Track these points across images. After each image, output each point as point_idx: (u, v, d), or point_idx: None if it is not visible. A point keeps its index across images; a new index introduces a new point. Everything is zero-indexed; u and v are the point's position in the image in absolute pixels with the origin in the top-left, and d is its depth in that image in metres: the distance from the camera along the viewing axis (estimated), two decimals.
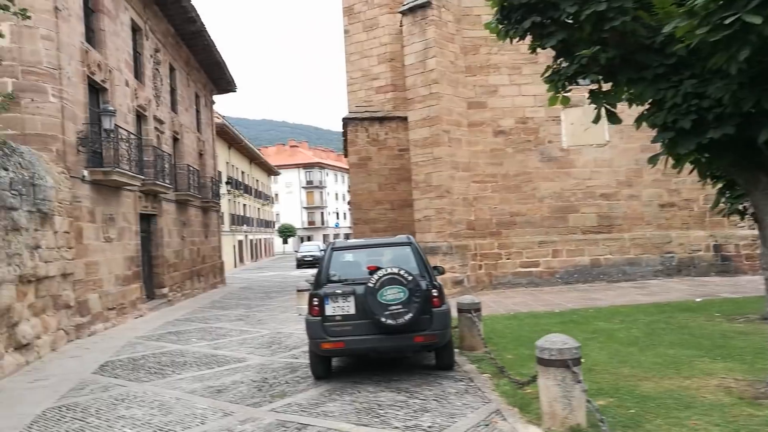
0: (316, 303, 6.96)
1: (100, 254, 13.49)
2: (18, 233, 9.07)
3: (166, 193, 18.72)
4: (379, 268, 6.82)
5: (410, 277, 6.66)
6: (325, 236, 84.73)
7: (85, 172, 12.85)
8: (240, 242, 49.31)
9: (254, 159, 55.26)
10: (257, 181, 59.39)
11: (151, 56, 18.96)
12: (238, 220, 47.88)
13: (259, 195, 59.38)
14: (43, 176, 10.42)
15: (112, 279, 14.17)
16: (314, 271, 30.08)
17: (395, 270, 6.68)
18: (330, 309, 6.89)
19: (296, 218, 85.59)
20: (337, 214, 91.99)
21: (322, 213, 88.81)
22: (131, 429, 5.72)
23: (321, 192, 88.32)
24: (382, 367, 7.78)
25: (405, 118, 22.81)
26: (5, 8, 7.19)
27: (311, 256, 41.82)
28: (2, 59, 10.96)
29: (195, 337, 11.81)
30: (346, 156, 32.80)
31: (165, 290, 18.79)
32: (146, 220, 17.85)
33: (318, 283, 7.21)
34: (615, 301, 12.96)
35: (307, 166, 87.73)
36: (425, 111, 16.16)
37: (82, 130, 12.85)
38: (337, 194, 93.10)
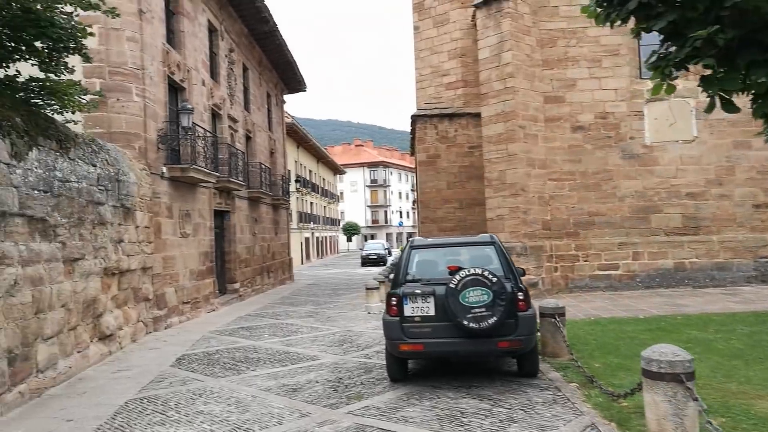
0: (394, 303, 6.73)
1: (176, 249, 13.82)
2: (104, 227, 9.34)
3: (239, 190, 19.07)
4: (460, 268, 6.52)
5: (495, 279, 6.32)
6: (388, 235, 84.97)
7: (164, 169, 13.19)
8: (307, 239, 50.07)
9: (321, 158, 56.00)
10: (323, 179, 60.19)
11: (226, 56, 19.36)
12: (305, 218, 48.62)
13: (325, 193, 60.19)
14: (127, 172, 10.72)
15: (187, 274, 14.51)
16: (379, 269, 30.07)
17: (479, 271, 6.36)
18: (409, 309, 6.65)
19: (360, 217, 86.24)
20: (400, 212, 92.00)
21: (385, 211, 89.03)
22: (210, 425, 5.68)
23: (385, 191, 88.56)
24: (460, 371, 7.48)
25: (475, 115, 22.36)
26: (97, 7, 7.37)
27: (375, 254, 41.96)
28: (91, 60, 11.37)
29: (267, 332, 11.88)
30: (412, 154, 32.59)
31: (236, 285, 19.15)
32: (220, 216, 18.23)
33: (396, 282, 6.98)
34: (705, 309, 12.08)
35: (372, 165, 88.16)
36: (500, 106, 15.67)
37: (162, 128, 13.20)
38: (400, 193, 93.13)
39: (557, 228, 16.11)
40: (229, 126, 19.03)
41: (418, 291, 6.64)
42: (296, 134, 40.48)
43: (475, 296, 6.27)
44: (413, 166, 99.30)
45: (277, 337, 11.28)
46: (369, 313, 14.45)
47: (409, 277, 6.93)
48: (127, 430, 5.63)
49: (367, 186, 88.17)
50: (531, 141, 15.79)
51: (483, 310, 6.24)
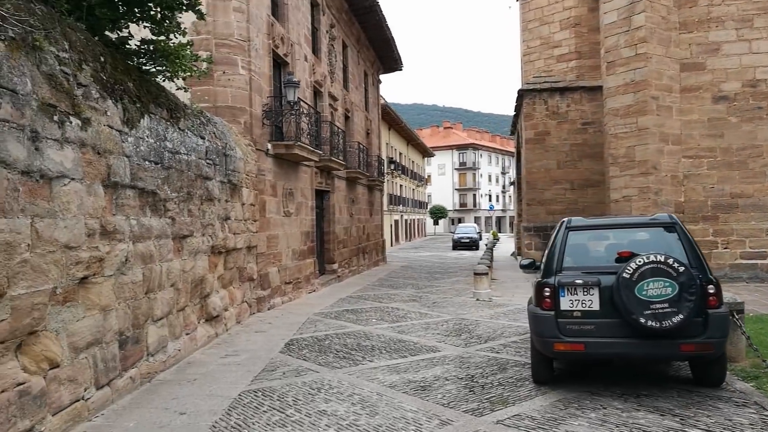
0: (547, 294, 5.67)
1: (279, 228, 13.38)
2: (211, 203, 8.87)
3: (339, 170, 18.51)
4: (634, 255, 5.34)
5: (682, 268, 5.10)
6: (476, 218, 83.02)
7: (269, 146, 12.72)
8: (396, 222, 49.52)
9: (411, 140, 55.09)
10: (412, 162, 59.32)
11: (327, 32, 18.73)
12: (395, 200, 48.02)
13: (414, 176, 59.36)
14: (233, 147, 10.25)
15: (289, 253, 14.08)
16: (471, 253, 29.16)
17: (661, 258, 5.16)
18: (566, 303, 5.56)
19: (447, 200, 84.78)
20: (490, 196, 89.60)
21: (474, 195, 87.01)
22: (336, 430, 4.90)
23: (474, 173, 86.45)
24: (617, 374, 6.30)
25: (590, 89, 20.54)
26: None
27: (468, 237, 40.63)
28: (199, 32, 10.99)
29: (374, 317, 11.14)
30: (512, 133, 30.92)
31: (335, 266, 18.69)
32: (319, 196, 17.75)
33: (549, 269, 5.90)
34: None
35: (461, 148, 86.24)
36: (629, 75, 13.99)
37: (267, 102, 12.71)
38: (490, 176, 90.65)
39: (692, 211, 14.28)
40: (330, 104, 18.45)
41: (579, 281, 5.54)
42: (388, 116, 39.77)
43: (656, 289, 5.09)
44: (506, 148, 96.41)
45: (386, 322, 10.51)
46: (478, 300, 13.42)
47: (566, 264, 5.82)
48: (245, 430, 4.96)
49: (456, 169, 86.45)
50: (664, 113, 14.01)
51: (666, 305, 5.06)
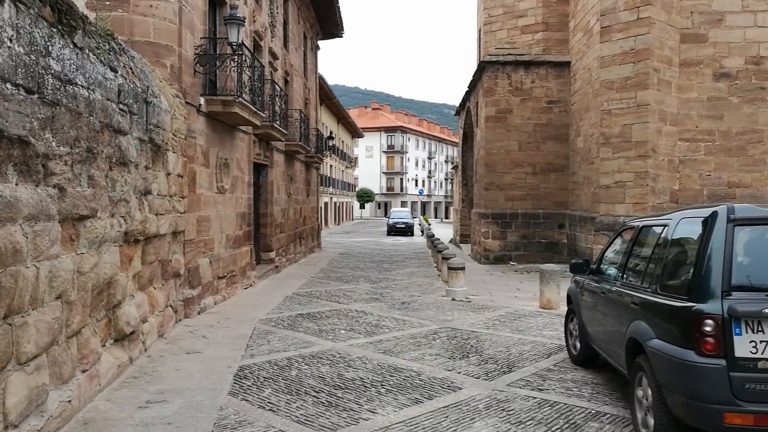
0: (710, 331, 3.45)
1: (212, 208, 10.58)
2: (125, 170, 6.05)
3: (279, 141, 15.73)
4: None
5: None
6: (403, 203, 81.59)
7: (202, 100, 9.85)
8: (326, 204, 46.87)
9: (341, 118, 52.36)
10: (342, 141, 56.67)
11: None
12: (325, 181, 45.32)
13: (343, 157, 56.79)
14: (158, 95, 7.38)
15: (223, 240, 11.30)
16: (407, 239, 27.34)
17: None
18: (746, 346, 3.39)
19: (375, 183, 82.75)
20: (416, 181, 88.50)
21: (401, 179, 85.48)
22: None
23: (402, 157, 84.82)
24: None
25: (557, 64, 18.80)
26: None
27: (403, 222, 38.77)
28: None
29: (340, 325, 8.69)
30: (457, 113, 29.00)
31: (272, 254, 15.98)
32: (256, 170, 14.95)
33: (702, 287, 3.65)
34: None
35: (389, 130, 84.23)
36: (628, 42, 12.18)
37: (201, 44, 9.80)
38: (417, 160, 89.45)
39: (687, 200, 12.77)
40: (270, 62, 15.57)
41: None
42: (321, 90, 36.93)
43: None
44: (433, 133, 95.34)
45: (359, 334, 8.09)
46: (454, 299, 11.27)
47: (736, 281, 3.60)
48: None
49: (384, 151, 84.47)
50: (664, 89, 12.34)
51: None
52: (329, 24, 25.43)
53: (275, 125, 14.03)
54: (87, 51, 4.93)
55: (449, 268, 11.68)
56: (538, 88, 18.80)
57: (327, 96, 40.66)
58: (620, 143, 12.28)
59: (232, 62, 10.06)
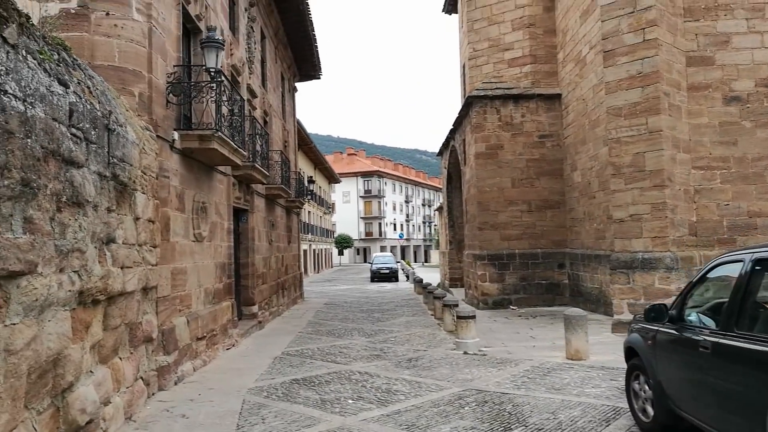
0: None
1: (188, 258, 9.24)
2: (80, 212, 4.77)
3: (261, 182, 14.52)
4: None
5: None
6: (382, 247, 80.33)
7: (176, 135, 8.64)
8: (305, 252, 45.38)
9: (318, 164, 51.54)
10: (320, 187, 55.67)
11: (246, 10, 14.90)
12: (303, 228, 43.98)
13: (321, 203, 55.72)
14: (123, 123, 6.16)
15: (201, 295, 9.92)
16: (391, 285, 26.08)
17: None
18: None
19: (353, 229, 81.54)
20: (394, 225, 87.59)
21: (380, 223, 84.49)
22: None
23: (379, 201, 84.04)
24: None
25: (547, 97, 18.14)
26: None
27: (387, 268, 37.44)
28: None
29: (345, 393, 7.32)
30: (440, 154, 28.20)
31: (254, 308, 14.55)
32: (235, 216, 13.67)
33: None
34: None
35: (366, 175, 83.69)
36: (635, 66, 11.42)
37: (175, 72, 8.67)
38: (395, 204, 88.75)
39: (705, 233, 11.85)
40: (248, 100, 14.51)
41: None
42: (298, 134, 36.07)
43: None
44: (408, 176, 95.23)
45: (371, 404, 6.73)
46: (466, 353, 9.99)
47: None
48: None
49: (361, 196, 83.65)
50: (675, 114, 11.56)
51: None
52: (306, 65, 24.72)
53: (257, 166, 12.85)
54: (24, 53, 3.73)
55: (458, 317, 10.42)
56: (528, 122, 18.08)
57: (304, 141, 39.83)
58: (633, 173, 11.37)
59: (209, 92, 8.91)
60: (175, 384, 8.01)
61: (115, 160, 5.70)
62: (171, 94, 8.34)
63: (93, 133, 5.07)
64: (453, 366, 8.92)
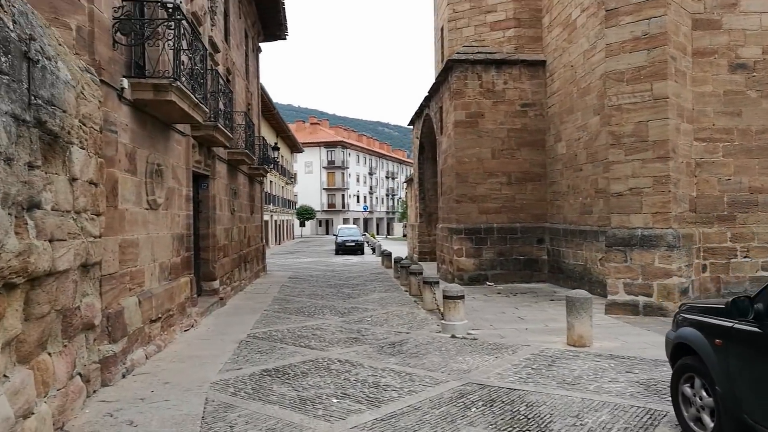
0: None
1: (141, 229, 7.94)
2: None
3: (224, 146, 13.13)
4: None
5: None
6: (345, 219, 79.18)
7: (126, 83, 7.25)
8: (266, 223, 43.84)
9: (281, 131, 49.68)
10: (282, 157, 53.81)
11: None
12: (266, 198, 42.38)
13: (283, 172, 54.00)
14: (53, 57, 4.81)
15: (156, 270, 8.64)
16: (357, 258, 25.19)
17: None
18: None
19: (315, 200, 79.88)
20: (358, 197, 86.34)
21: (343, 195, 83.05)
22: None
23: (343, 173, 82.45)
24: None
25: (531, 63, 17.13)
26: None
27: (353, 240, 36.36)
28: None
29: (326, 388, 6.25)
30: (411, 123, 26.95)
31: (215, 284, 13.28)
32: (195, 182, 12.31)
33: None
34: None
35: (329, 145, 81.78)
36: (640, 26, 10.46)
37: (124, 5, 7.22)
38: (358, 176, 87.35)
39: (705, 209, 11.16)
40: (210, 54, 12.98)
41: None
42: (261, 100, 34.27)
43: None
44: (372, 148, 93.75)
45: (360, 404, 5.69)
46: (454, 336, 9.06)
47: None
48: None
49: (324, 167, 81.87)
50: (680, 80, 10.71)
51: None
52: (272, 24, 23.01)
53: (219, 126, 11.47)
54: None
55: (446, 297, 9.44)
56: (511, 90, 17.08)
57: (266, 107, 38.00)
58: (634, 143, 10.51)
59: (166, 34, 7.50)
60: (123, 377, 6.80)
61: (40, 102, 4.37)
62: (119, 33, 6.93)
63: (4, 60, 3.74)
64: (443, 353, 7.96)
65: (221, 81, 12.28)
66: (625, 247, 10.47)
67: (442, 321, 9.58)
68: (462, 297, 9.43)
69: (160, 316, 8.56)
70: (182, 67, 8.15)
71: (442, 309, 10.62)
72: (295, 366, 7.31)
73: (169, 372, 7.11)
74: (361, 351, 8.20)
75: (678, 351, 4.76)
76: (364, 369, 7.12)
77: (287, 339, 9.18)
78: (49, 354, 4.89)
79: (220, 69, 14.41)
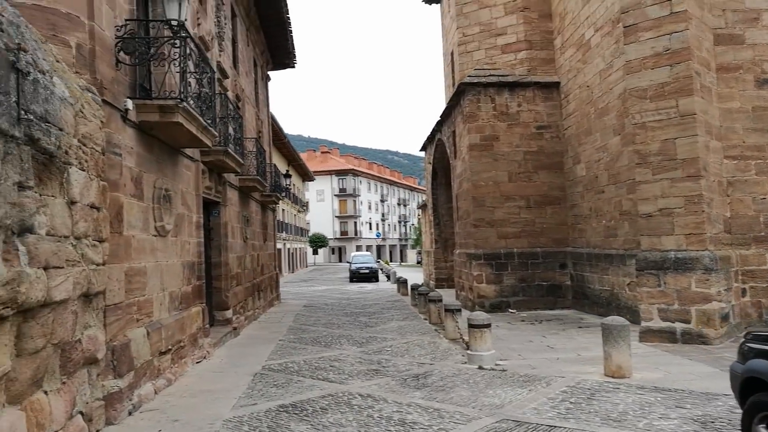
0: None
1: (149, 256, 7.53)
2: None
3: (235, 172, 12.80)
4: None
5: None
6: (358, 247, 78.61)
7: (129, 104, 6.93)
8: (279, 251, 43.48)
9: (293, 160, 49.72)
10: (294, 185, 53.70)
11: None
12: (278, 226, 42.09)
13: (296, 200, 53.83)
14: (47, 71, 4.47)
15: (165, 300, 8.21)
16: (372, 285, 24.52)
17: None
18: None
19: (327, 228, 79.60)
20: (370, 224, 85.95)
21: (355, 222, 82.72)
22: None
23: (354, 200, 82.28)
24: None
25: (545, 85, 16.77)
26: None
27: (367, 268, 35.72)
28: None
29: (349, 428, 5.72)
30: (423, 149, 26.60)
31: (228, 313, 12.82)
32: (206, 209, 11.96)
33: None
34: None
35: (340, 173, 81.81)
36: (661, 42, 10.05)
37: (127, 24, 6.95)
38: (370, 204, 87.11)
39: (740, 230, 10.58)
40: (219, 79, 12.78)
41: None
42: (272, 127, 34.24)
43: None
44: (383, 176, 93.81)
45: None
46: (481, 367, 8.49)
47: None
48: None
49: (336, 195, 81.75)
50: (706, 96, 10.25)
51: None
52: (280, 52, 22.96)
53: (230, 151, 11.15)
54: None
55: (471, 326, 8.89)
56: (525, 112, 16.71)
57: (277, 135, 38.00)
58: (662, 162, 10.01)
59: (171, 53, 7.21)
60: (130, 414, 6.31)
61: (32, 117, 4.01)
62: (122, 52, 6.63)
63: None
64: (472, 385, 7.40)
65: (231, 105, 12.00)
66: (658, 271, 9.89)
67: (468, 351, 9.01)
68: (488, 325, 8.88)
69: (170, 347, 8.10)
70: (189, 88, 7.84)
71: (466, 338, 10.07)
72: (313, 401, 6.79)
73: (180, 408, 6.61)
74: (383, 384, 7.66)
75: (749, 386, 4.21)
76: (387, 404, 6.58)
77: (304, 371, 8.66)
78: (46, 392, 4.43)
79: (230, 95, 14.20)
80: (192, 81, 8.09)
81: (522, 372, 8.10)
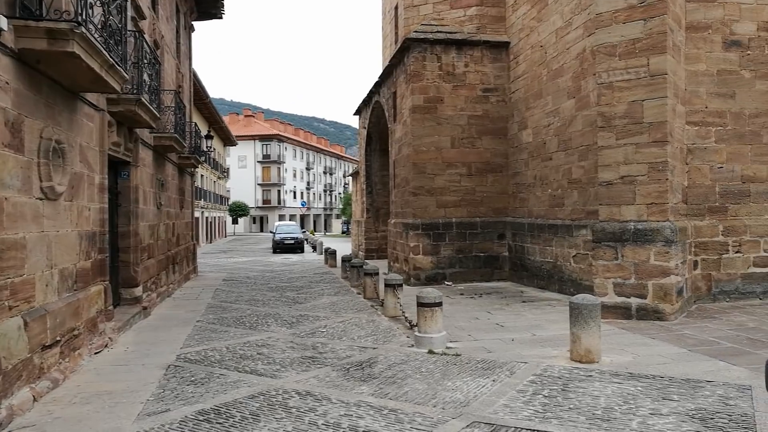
0: None
1: (30, 225, 5.95)
2: None
3: (149, 127, 11.04)
4: None
5: None
6: (281, 216, 76.44)
7: (3, 22, 5.25)
8: (197, 219, 41.07)
9: (214, 123, 46.84)
10: (214, 149, 50.82)
11: None
12: (196, 193, 39.62)
13: (215, 166, 51.07)
14: None
15: (54, 279, 6.64)
16: (297, 257, 23.11)
17: None
18: None
19: (249, 196, 76.72)
20: (294, 193, 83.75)
21: (279, 191, 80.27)
22: None
23: (279, 168, 79.67)
24: None
25: (494, 45, 15.83)
26: None
27: (292, 238, 34.21)
28: None
29: None
30: (357, 113, 25.18)
31: (137, 291, 11.19)
32: (113, 169, 10.24)
33: None
34: None
35: (265, 138, 78.75)
36: None
37: None
38: (295, 171, 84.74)
39: (696, 199, 10.17)
40: (133, 17, 10.89)
41: None
42: (193, 87, 31.65)
43: None
44: (310, 143, 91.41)
45: None
46: (431, 352, 7.55)
47: None
48: None
49: (259, 161, 78.79)
50: (676, 56, 9.61)
51: None
52: (206, 1, 20.74)
53: (143, 100, 9.44)
54: None
55: (421, 305, 7.89)
56: (472, 73, 15.77)
57: (198, 95, 35.32)
58: (627, 125, 9.32)
59: None
60: None
61: None
62: None
63: None
64: (426, 376, 6.42)
65: (147, 47, 10.20)
66: (616, 243, 9.28)
67: (417, 333, 8.02)
68: (440, 304, 7.92)
69: (58, 338, 6.57)
70: (91, 12, 6.18)
71: (408, 316, 9.12)
72: (241, 403, 5.56)
73: (65, 422, 5.19)
74: (322, 376, 6.53)
75: None
76: (332, 405, 5.47)
77: (227, 361, 7.38)
78: None
79: (147, 39, 12.27)
80: (97, 4, 6.43)
81: (478, 357, 7.23)
